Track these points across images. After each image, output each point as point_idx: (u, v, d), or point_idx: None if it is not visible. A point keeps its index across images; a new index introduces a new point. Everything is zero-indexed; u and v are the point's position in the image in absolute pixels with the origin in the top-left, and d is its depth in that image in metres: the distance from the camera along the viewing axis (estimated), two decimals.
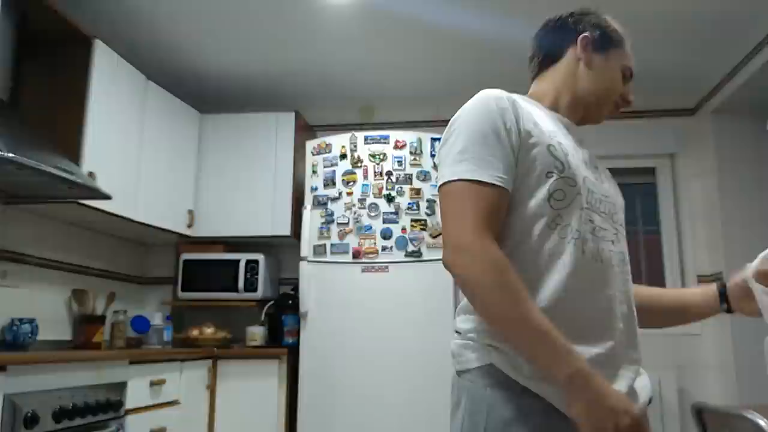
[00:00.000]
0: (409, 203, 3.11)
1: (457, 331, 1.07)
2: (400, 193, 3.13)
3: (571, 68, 1.17)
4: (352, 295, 3.07)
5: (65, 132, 2.62)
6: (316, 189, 3.25)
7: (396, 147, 3.19)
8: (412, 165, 3.16)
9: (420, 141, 3.19)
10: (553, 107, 1.17)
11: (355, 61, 3.35)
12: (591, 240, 1.03)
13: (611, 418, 0.88)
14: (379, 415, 2.93)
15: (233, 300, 3.44)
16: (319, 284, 3.12)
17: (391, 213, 3.11)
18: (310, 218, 3.20)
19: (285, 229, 3.44)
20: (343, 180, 3.19)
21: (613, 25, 1.19)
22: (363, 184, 3.16)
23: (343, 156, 3.22)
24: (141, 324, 3.21)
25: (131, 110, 3.00)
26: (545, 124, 1.08)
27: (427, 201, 3.12)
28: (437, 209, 3.10)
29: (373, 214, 3.12)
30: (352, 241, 3.12)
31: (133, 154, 3.01)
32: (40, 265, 2.83)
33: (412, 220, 3.10)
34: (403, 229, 3.09)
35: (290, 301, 3.37)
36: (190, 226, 3.45)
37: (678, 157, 3.71)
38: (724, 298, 1.20)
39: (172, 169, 3.34)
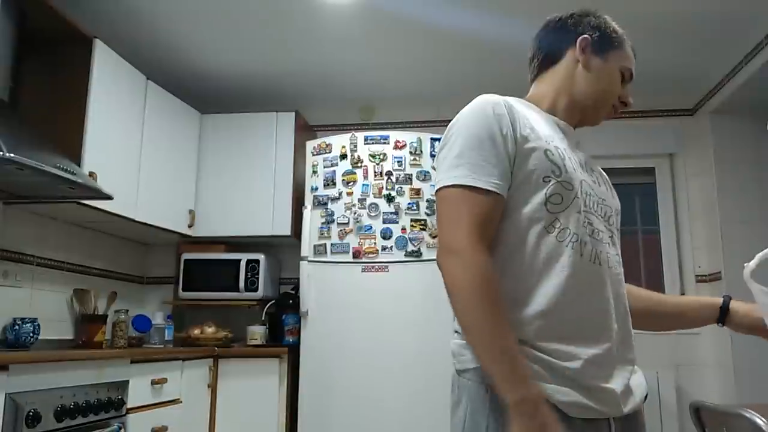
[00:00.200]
0: (409, 203, 3.12)
1: (456, 331, 1.08)
2: (400, 193, 3.14)
3: (570, 70, 1.17)
4: (352, 294, 3.08)
5: (66, 132, 2.62)
6: (316, 189, 3.26)
7: (396, 147, 3.19)
8: (412, 165, 3.16)
9: (420, 141, 3.20)
10: (551, 110, 1.17)
11: (355, 61, 3.36)
12: (589, 242, 1.04)
13: None
14: (379, 414, 2.94)
15: (234, 299, 3.45)
16: (319, 284, 3.13)
17: (391, 213, 3.12)
18: (311, 218, 3.21)
19: (285, 229, 3.45)
20: (343, 180, 3.20)
21: (612, 27, 1.19)
22: (363, 184, 3.17)
23: (344, 156, 3.23)
24: (142, 323, 3.22)
25: (132, 110, 3.01)
26: (542, 128, 1.09)
27: (427, 201, 3.13)
28: (436, 214, 3.10)
29: (373, 214, 3.13)
30: (352, 240, 3.13)
31: (134, 154, 3.02)
32: (42, 264, 2.84)
33: (411, 220, 3.11)
34: (403, 229, 3.10)
35: (291, 301, 3.38)
36: (190, 226, 3.46)
37: (677, 157, 3.72)
38: (723, 317, 1.24)
39: (173, 169, 3.34)
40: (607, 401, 1.00)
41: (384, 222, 3.12)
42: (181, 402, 2.76)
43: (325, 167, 3.26)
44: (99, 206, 2.71)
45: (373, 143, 3.21)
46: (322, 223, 3.19)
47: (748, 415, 1.30)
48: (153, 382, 2.55)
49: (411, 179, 3.15)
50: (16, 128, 2.30)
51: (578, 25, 1.18)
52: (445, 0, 2.71)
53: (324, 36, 3.07)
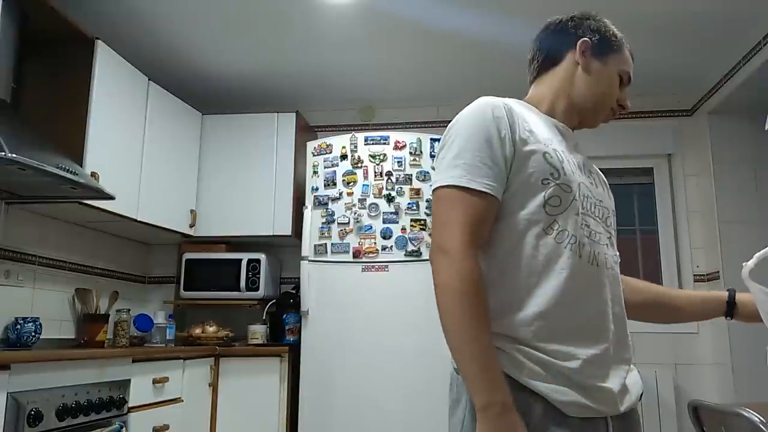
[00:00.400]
0: (408, 203, 3.13)
1: None
2: (400, 193, 3.15)
3: (569, 72, 1.18)
4: (352, 294, 3.09)
5: (67, 132, 2.63)
6: (316, 189, 3.27)
7: (396, 148, 3.20)
8: (411, 165, 3.18)
9: (420, 142, 3.21)
10: (550, 112, 1.18)
11: (356, 62, 3.37)
12: (588, 244, 1.05)
13: None
14: (379, 413, 2.95)
15: (235, 299, 3.46)
16: (319, 283, 3.14)
17: (391, 213, 3.13)
18: (311, 218, 3.22)
19: (286, 229, 3.46)
20: (343, 180, 3.21)
21: (612, 30, 1.20)
22: (363, 185, 3.18)
23: (344, 156, 3.24)
24: (144, 323, 3.23)
25: (133, 111, 3.02)
26: (541, 130, 1.10)
27: (427, 201, 3.14)
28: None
29: (373, 214, 3.14)
30: (352, 240, 3.14)
31: (136, 154, 3.03)
32: (44, 264, 2.85)
33: (411, 220, 3.12)
34: (403, 229, 3.11)
35: (291, 300, 3.39)
36: (192, 225, 3.47)
37: (675, 157, 3.73)
38: (731, 310, 1.26)
39: (175, 170, 3.35)
40: (604, 400, 1.01)
41: (384, 222, 3.13)
42: (182, 401, 2.77)
43: (325, 167, 3.27)
44: (101, 206, 2.72)
45: (373, 144, 3.22)
46: (323, 223, 3.20)
47: (746, 414, 1.31)
48: (154, 381, 2.56)
49: (411, 179, 3.16)
50: (18, 129, 2.30)
51: (578, 27, 1.19)
52: (445, 1, 2.72)
53: (324, 37, 3.08)
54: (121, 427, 2.28)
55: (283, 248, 3.72)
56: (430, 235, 3.21)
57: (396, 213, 3.13)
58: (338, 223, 3.17)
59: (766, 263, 1.22)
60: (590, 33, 1.18)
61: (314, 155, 3.34)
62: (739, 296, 1.27)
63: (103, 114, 2.76)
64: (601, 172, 1.24)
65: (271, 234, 3.48)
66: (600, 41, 1.17)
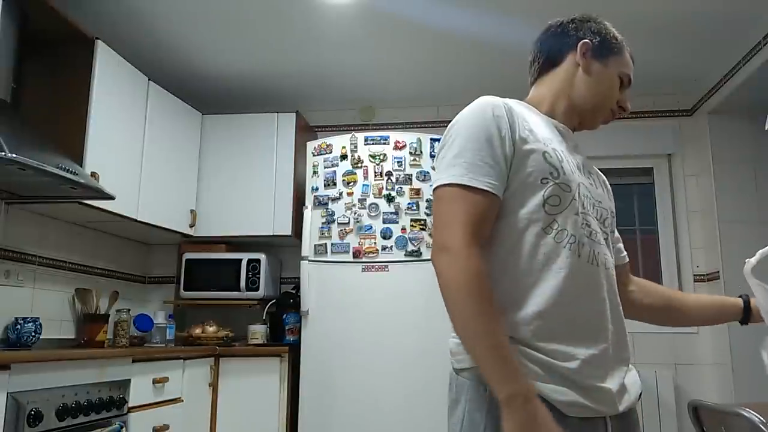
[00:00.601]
0: (408, 203, 3.13)
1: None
2: (400, 193, 3.15)
3: (570, 74, 1.18)
4: (352, 294, 3.09)
5: (67, 132, 2.63)
6: (316, 189, 3.27)
7: (396, 148, 3.20)
8: (411, 165, 3.18)
9: (420, 142, 3.21)
10: (550, 113, 1.18)
11: (356, 62, 3.37)
12: (587, 244, 1.06)
13: None
14: (379, 413, 2.95)
15: (235, 299, 3.46)
16: (319, 283, 3.14)
17: (391, 213, 3.13)
18: (311, 218, 3.22)
19: (286, 229, 3.46)
20: (343, 180, 3.21)
21: (613, 33, 1.20)
22: (363, 185, 3.18)
23: (344, 156, 3.24)
24: (144, 323, 3.23)
25: (133, 111, 3.02)
26: (541, 130, 1.10)
27: (427, 201, 3.14)
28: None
29: (373, 214, 3.15)
30: (352, 240, 3.14)
31: (136, 154, 3.03)
32: (44, 264, 2.85)
33: (411, 220, 3.12)
34: (403, 229, 3.11)
35: (291, 300, 3.39)
36: (192, 225, 3.48)
37: (675, 157, 3.73)
38: (746, 317, 1.27)
39: (175, 170, 3.35)
40: (603, 400, 1.01)
41: (384, 222, 3.13)
42: (182, 401, 2.77)
43: (325, 167, 3.27)
44: (101, 206, 2.72)
45: (373, 144, 3.23)
46: (323, 223, 3.20)
47: (746, 414, 1.31)
48: (154, 381, 2.56)
49: (411, 179, 3.16)
50: (18, 129, 2.30)
51: (579, 29, 1.19)
52: (445, 1, 2.72)
53: (324, 37, 3.08)
54: (121, 427, 2.28)
55: (283, 248, 3.72)
56: (430, 235, 3.23)
57: (396, 213, 3.13)
58: (338, 223, 3.18)
59: (767, 261, 1.23)
60: (591, 35, 1.18)
61: (314, 155, 3.34)
62: (753, 301, 1.27)
63: (103, 114, 2.76)
64: (601, 173, 1.24)
65: (271, 234, 3.48)
66: (601, 43, 1.18)
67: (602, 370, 1.02)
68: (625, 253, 1.27)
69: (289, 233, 3.45)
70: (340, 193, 3.21)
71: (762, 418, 1.27)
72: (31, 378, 1.90)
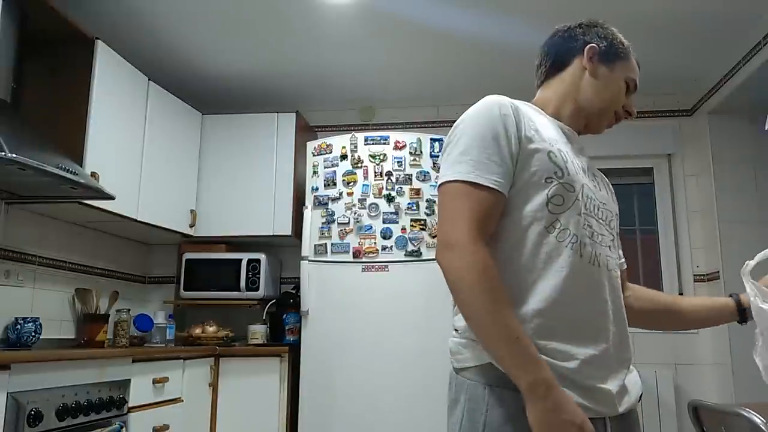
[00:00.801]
0: (408, 203, 3.14)
1: (455, 329, 1.09)
2: (400, 193, 3.15)
3: (576, 77, 1.19)
4: (352, 294, 3.09)
5: (67, 132, 2.63)
6: (316, 189, 3.27)
7: (396, 148, 3.21)
8: (411, 165, 3.18)
9: (420, 142, 3.21)
10: (555, 115, 1.19)
11: (356, 62, 3.37)
12: (589, 244, 1.06)
13: (564, 429, 0.91)
14: (379, 413, 2.96)
15: (235, 299, 3.46)
16: (319, 283, 3.14)
17: (391, 213, 3.13)
18: (311, 218, 3.22)
19: (286, 229, 3.46)
20: (343, 180, 3.22)
21: (620, 38, 1.21)
22: (363, 185, 3.18)
23: (344, 156, 3.25)
24: (144, 323, 3.23)
25: (133, 111, 3.02)
26: (546, 131, 1.11)
27: (427, 201, 3.14)
28: (437, 209, 3.12)
29: (373, 214, 3.15)
30: (352, 240, 3.14)
31: (136, 154, 3.03)
32: (44, 264, 2.85)
33: (411, 220, 3.12)
34: (403, 229, 3.11)
35: (291, 300, 3.40)
36: (192, 225, 3.48)
37: (675, 157, 3.73)
38: (743, 316, 1.26)
39: (175, 170, 3.35)
40: (603, 401, 1.01)
41: (384, 222, 3.13)
42: (182, 401, 2.77)
43: (325, 167, 3.27)
44: (101, 206, 2.72)
45: (373, 144, 3.23)
46: (323, 223, 3.20)
47: (746, 414, 1.31)
48: (154, 381, 2.56)
49: (411, 179, 3.16)
50: (18, 129, 2.30)
51: (586, 34, 1.20)
52: (445, 1, 2.72)
53: (324, 37, 3.08)
54: (121, 427, 2.28)
55: (283, 248, 3.72)
56: (430, 235, 3.23)
57: (396, 213, 3.13)
58: (338, 223, 3.18)
59: (767, 263, 1.22)
60: (598, 39, 1.19)
61: (314, 155, 3.34)
62: (743, 297, 1.27)
63: (103, 114, 2.76)
64: (605, 177, 1.25)
65: (271, 234, 3.48)
66: (608, 48, 1.19)
67: (602, 370, 1.02)
68: (623, 259, 1.26)
69: (289, 233, 3.45)
70: (340, 193, 3.21)
71: (762, 418, 1.27)
72: (31, 378, 1.90)
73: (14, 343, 2.49)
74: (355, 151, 3.23)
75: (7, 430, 1.80)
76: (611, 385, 1.02)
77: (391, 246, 3.10)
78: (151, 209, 3.10)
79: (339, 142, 3.28)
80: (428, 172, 3.17)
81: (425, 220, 3.12)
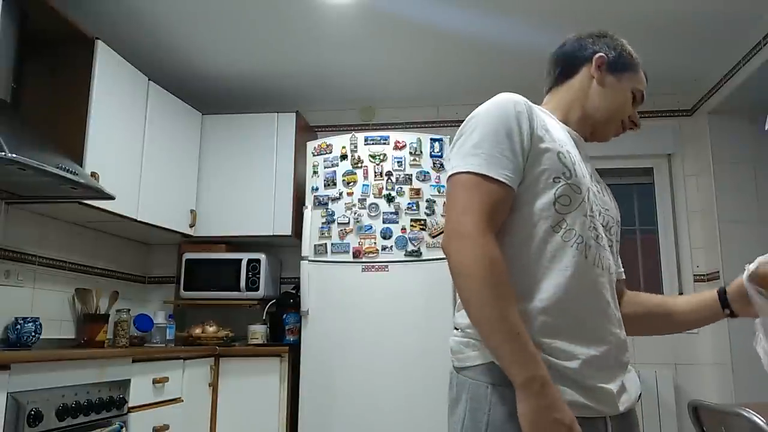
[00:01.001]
0: (408, 203, 3.13)
1: (456, 327, 1.10)
2: (400, 193, 3.15)
3: (584, 85, 1.20)
4: (352, 294, 3.09)
5: (67, 132, 2.63)
6: (316, 189, 3.27)
7: (396, 148, 3.21)
8: (411, 165, 3.18)
9: (420, 142, 3.21)
10: (564, 121, 1.20)
11: (356, 62, 3.37)
12: (594, 246, 1.07)
13: (553, 428, 0.91)
14: (379, 413, 2.96)
15: (235, 299, 3.46)
16: (319, 283, 3.14)
17: (391, 213, 3.13)
18: (311, 218, 3.22)
19: (286, 229, 3.46)
20: (343, 180, 3.22)
21: (628, 50, 1.23)
22: (363, 185, 3.18)
23: (344, 156, 3.25)
24: (144, 323, 3.23)
25: (133, 111, 3.02)
26: (557, 132, 1.12)
27: (427, 201, 3.14)
28: (437, 209, 3.12)
29: (373, 214, 3.15)
30: (352, 240, 3.14)
31: (136, 154, 3.03)
32: (44, 264, 2.85)
33: (411, 220, 3.12)
34: (403, 229, 3.11)
35: (291, 300, 3.40)
36: (192, 225, 3.48)
37: (675, 157, 3.73)
38: (725, 302, 1.19)
39: (174, 170, 3.35)
40: (604, 401, 1.01)
41: (384, 222, 3.13)
42: (182, 401, 2.77)
43: (325, 167, 3.27)
44: (101, 206, 2.72)
45: (373, 144, 3.23)
46: (323, 223, 3.20)
47: (746, 414, 1.31)
48: (154, 381, 2.56)
49: (411, 179, 3.16)
50: (18, 129, 2.30)
51: (595, 44, 1.22)
52: (445, 1, 2.72)
53: (324, 37, 3.08)
54: (121, 427, 2.28)
55: (283, 248, 3.72)
56: (430, 235, 3.23)
57: (396, 213, 3.13)
58: (338, 223, 3.18)
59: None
60: (607, 49, 1.21)
61: (314, 155, 3.34)
62: (730, 286, 1.20)
63: (103, 114, 2.76)
64: (608, 187, 1.26)
65: (271, 234, 3.48)
66: (616, 58, 1.20)
67: (603, 371, 1.03)
68: (621, 269, 1.25)
69: (289, 233, 3.45)
70: (340, 193, 3.21)
71: (762, 419, 1.27)
72: (31, 378, 1.90)
73: (14, 343, 2.49)
74: (355, 151, 3.23)
75: (7, 430, 1.80)
76: (612, 385, 1.03)
77: (391, 246, 3.10)
78: (151, 209, 3.10)
79: (339, 142, 3.28)
80: (428, 172, 3.17)
81: (425, 220, 3.12)
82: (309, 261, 3.18)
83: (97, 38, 2.73)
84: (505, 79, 3.38)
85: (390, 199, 3.14)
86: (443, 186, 3.16)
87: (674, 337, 3.48)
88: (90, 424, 2.13)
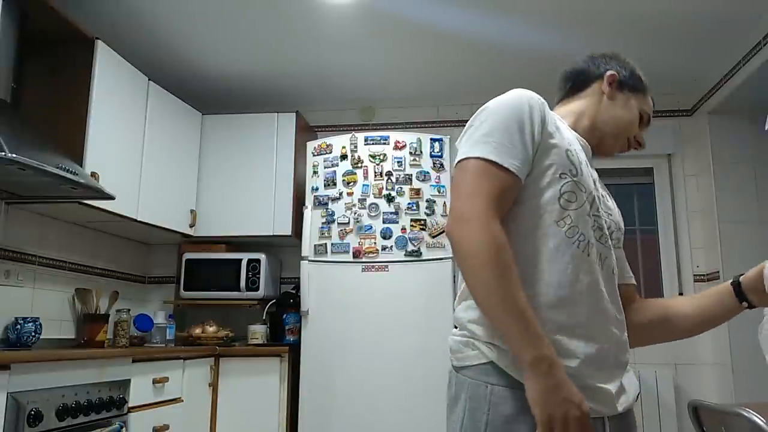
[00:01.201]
0: (408, 203, 3.14)
1: (455, 325, 1.10)
2: (400, 193, 3.15)
3: (595, 99, 1.24)
4: (352, 294, 3.09)
5: (67, 132, 2.63)
6: (316, 189, 3.27)
7: (396, 148, 3.21)
8: (411, 165, 3.18)
9: (420, 142, 3.21)
10: (573, 128, 1.22)
11: (356, 62, 3.37)
12: (596, 245, 1.08)
13: (563, 406, 0.91)
14: (379, 413, 2.96)
15: (235, 299, 3.46)
16: (319, 283, 3.14)
17: (391, 213, 3.13)
18: (311, 218, 3.22)
19: (286, 229, 3.46)
20: (343, 180, 3.22)
21: (639, 74, 1.26)
22: (363, 185, 3.18)
23: (344, 156, 3.25)
24: (144, 323, 3.23)
25: (133, 111, 3.02)
26: (566, 133, 1.14)
27: (427, 201, 3.14)
28: (437, 209, 3.12)
29: (373, 214, 3.15)
30: (352, 240, 3.14)
31: (136, 154, 3.03)
32: (44, 264, 2.85)
33: (411, 220, 3.12)
34: (403, 229, 3.11)
35: (291, 300, 3.40)
36: (192, 225, 3.48)
37: (675, 157, 3.73)
38: (741, 294, 1.18)
39: (174, 170, 3.35)
40: (602, 400, 1.01)
41: (384, 222, 3.13)
42: (182, 401, 2.77)
43: (325, 167, 3.27)
44: (101, 206, 2.72)
45: (373, 144, 3.23)
46: (323, 223, 3.20)
47: (746, 414, 1.31)
48: (154, 381, 2.56)
49: (411, 179, 3.16)
50: (18, 129, 2.30)
51: (608, 63, 1.25)
52: (445, 1, 2.72)
53: (324, 37, 3.08)
54: (121, 427, 2.28)
55: (283, 248, 3.72)
56: (430, 235, 3.23)
57: (396, 213, 3.13)
58: (338, 223, 3.18)
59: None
60: (618, 68, 1.24)
61: (314, 155, 3.34)
62: (745, 277, 1.18)
63: (103, 114, 2.76)
64: (610, 193, 1.27)
65: (271, 234, 3.48)
66: (627, 78, 1.24)
67: (602, 371, 1.03)
68: (631, 274, 1.26)
69: (289, 233, 3.45)
70: (340, 193, 3.21)
71: (763, 419, 1.27)
72: (31, 378, 1.90)
73: (14, 343, 2.50)
74: (355, 151, 3.23)
75: (7, 430, 1.80)
76: (610, 385, 1.03)
77: (391, 246, 3.10)
78: (151, 209, 3.10)
79: (339, 142, 3.28)
80: (428, 172, 3.17)
81: (425, 220, 3.12)
82: (309, 261, 3.18)
83: (97, 38, 2.73)
84: (505, 79, 3.38)
85: (390, 199, 3.14)
86: (443, 186, 3.16)
87: None
88: (90, 424, 2.13)
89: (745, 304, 1.18)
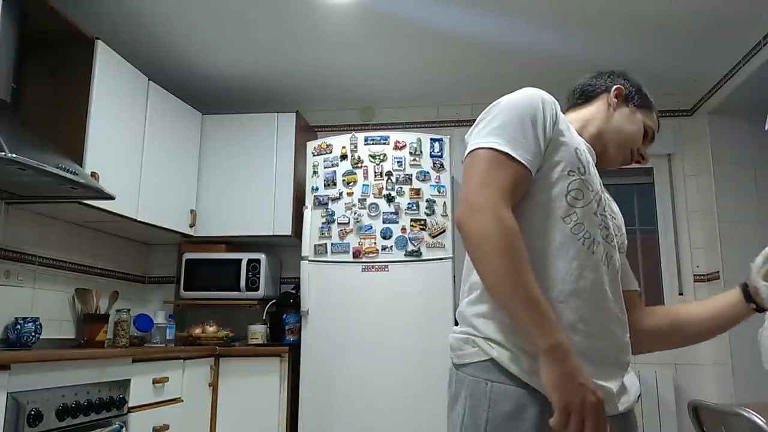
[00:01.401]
0: (408, 203, 3.14)
1: (456, 322, 1.10)
2: (400, 193, 3.15)
3: (602, 109, 1.27)
4: (352, 294, 3.09)
5: (67, 132, 2.63)
6: (316, 189, 3.27)
7: (396, 148, 3.21)
8: (411, 165, 3.18)
9: (420, 142, 3.21)
10: (579, 134, 1.23)
11: (356, 62, 3.37)
12: (602, 244, 1.09)
13: (580, 393, 0.91)
14: (380, 413, 2.96)
15: (235, 299, 3.46)
16: (319, 283, 3.14)
17: (391, 213, 3.13)
18: (311, 218, 3.22)
19: (286, 229, 3.46)
20: (343, 180, 3.22)
21: (645, 91, 1.29)
22: (363, 185, 3.18)
23: (344, 156, 3.25)
24: (144, 323, 3.23)
25: (133, 111, 3.02)
26: (575, 134, 1.16)
27: (427, 201, 3.14)
28: (437, 209, 3.13)
29: (373, 214, 3.15)
30: (352, 240, 3.14)
31: (136, 154, 3.03)
32: (44, 264, 2.85)
33: (411, 220, 3.12)
34: (403, 229, 3.11)
35: (291, 300, 3.40)
36: (192, 225, 3.48)
37: (675, 157, 3.73)
38: (749, 297, 1.19)
39: (174, 170, 3.35)
40: (604, 400, 1.01)
41: (384, 222, 3.13)
42: (182, 401, 2.77)
43: (325, 167, 3.27)
44: (101, 206, 2.72)
45: (373, 144, 3.23)
46: (323, 223, 3.20)
47: (746, 414, 1.31)
48: (154, 381, 2.56)
49: (411, 179, 3.16)
50: (19, 129, 2.30)
51: (615, 80, 1.29)
52: (445, 1, 2.72)
53: (324, 37, 3.08)
54: (121, 427, 2.28)
55: (283, 248, 3.72)
56: (430, 235, 3.21)
57: (396, 213, 3.13)
58: (338, 223, 3.18)
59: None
60: (626, 83, 1.28)
61: (314, 155, 3.34)
62: (750, 280, 1.19)
63: (103, 114, 2.76)
64: (612, 198, 1.28)
65: (271, 234, 3.48)
66: (634, 93, 1.27)
67: (604, 370, 1.03)
68: (635, 280, 1.28)
69: (289, 233, 3.45)
70: (340, 193, 3.21)
71: (763, 419, 1.27)
72: (31, 378, 1.90)
73: (14, 343, 2.50)
74: (355, 151, 3.23)
75: (7, 430, 1.80)
76: (612, 384, 1.03)
77: (391, 246, 3.10)
78: (151, 209, 3.10)
79: (339, 142, 3.28)
80: (428, 172, 3.17)
81: (425, 220, 3.12)
82: (309, 261, 3.18)
83: (97, 38, 2.73)
84: (505, 79, 3.38)
85: (390, 199, 3.15)
86: (443, 186, 3.17)
87: None
88: (90, 424, 2.13)
89: (752, 305, 1.19)
